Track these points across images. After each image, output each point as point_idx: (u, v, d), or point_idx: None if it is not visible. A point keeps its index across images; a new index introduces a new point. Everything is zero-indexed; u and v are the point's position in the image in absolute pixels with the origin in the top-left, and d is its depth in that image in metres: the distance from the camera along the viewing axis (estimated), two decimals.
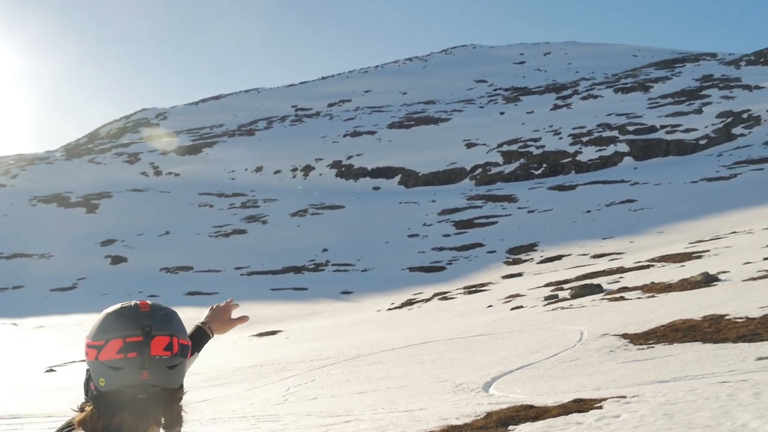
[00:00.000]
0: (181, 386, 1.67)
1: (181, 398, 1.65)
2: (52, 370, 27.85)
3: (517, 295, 34.56)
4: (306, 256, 78.23)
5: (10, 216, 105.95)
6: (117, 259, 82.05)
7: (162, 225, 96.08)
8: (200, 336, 2.46)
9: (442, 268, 63.61)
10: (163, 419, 1.58)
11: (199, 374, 25.75)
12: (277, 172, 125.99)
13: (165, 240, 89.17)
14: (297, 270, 73.07)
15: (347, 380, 18.53)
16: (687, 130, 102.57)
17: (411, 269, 65.49)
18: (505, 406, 10.06)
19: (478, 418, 9.36)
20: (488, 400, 11.74)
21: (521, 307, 30.02)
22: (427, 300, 42.81)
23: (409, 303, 43.39)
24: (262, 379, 21.90)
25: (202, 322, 2.50)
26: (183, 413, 1.64)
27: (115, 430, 1.51)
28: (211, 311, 2.57)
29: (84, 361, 1.65)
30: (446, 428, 8.80)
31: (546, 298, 30.39)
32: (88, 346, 1.59)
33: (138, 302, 1.65)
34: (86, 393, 1.62)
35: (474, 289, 43.66)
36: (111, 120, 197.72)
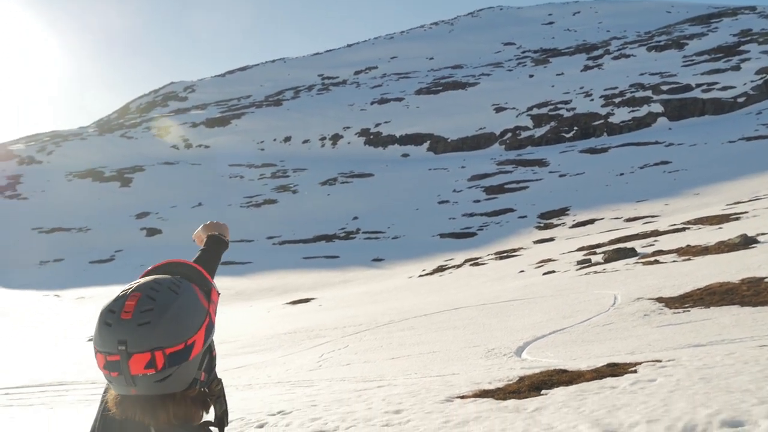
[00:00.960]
0: (194, 383, 1.54)
1: (194, 395, 1.55)
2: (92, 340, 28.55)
3: (549, 260, 34.34)
4: (336, 224, 78.60)
5: (48, 192, 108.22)
6: (152, 231, 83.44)
7: (194, 197, 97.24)
8: (218, 246, 2.40)
9: (473, 234, 63.41)
10: (173, 416, 1.50)
11: (235, 341, 26.26)
12: (305, 141, 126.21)
13: (197, 211, 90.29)
14: (328, 238, 73.54)
15: (380, 346, 18.71)
16: (724, 88, 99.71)
17: (441, 235, 65.43)
18: (537, 371, 10.07)
19: (511, 382, 9.38)
20: (521, 364, 11.76)
21: (553, 272, 29.84)
22: (458, 266, 42.80)
23: (440, 269, 43.41)
24: (296, 346, 22.25)
25: (210, 235, 2.43)
26: (204, 404, 1.57)
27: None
28: (205, 226, 2.47)
29: None
30: (478, 392, 8.84)
31: (578, 263, 30.15)
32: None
33: (127, 298, 1.51)
34: None
35: (505, 254, 43.49)
36: (140, 95, 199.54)
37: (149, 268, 1.69)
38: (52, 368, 20.11)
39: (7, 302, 57.39)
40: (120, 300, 1.50)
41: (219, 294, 1.65)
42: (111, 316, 1.47)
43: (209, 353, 1.59)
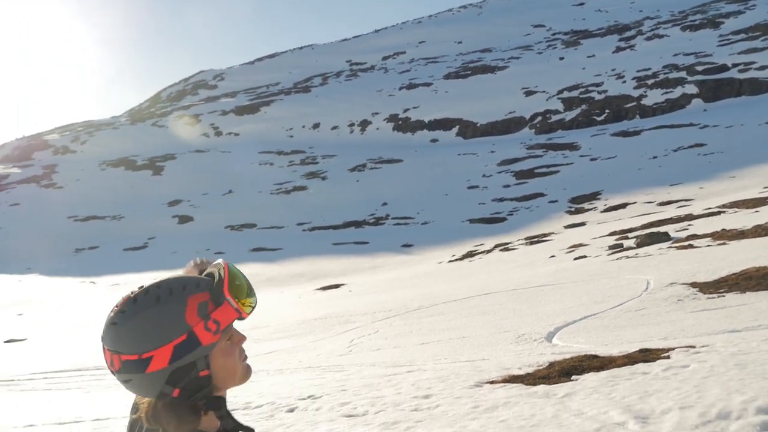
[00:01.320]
0: (167, 397, 1.48)
1: (181, 410, 1.47)
2: None
3: (580, 245, 34.00)
4: (366, 210, 78.71)
5: (82, 181, 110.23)
6: (184, 219, 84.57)
7: (224, 184, 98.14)
8: None
9: (503, 219, 63.01)
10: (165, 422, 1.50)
11: (266, 327, 26.56)
12: (334, 128, 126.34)
13: (228, 199, 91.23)
14: (357, 224, 73.73)
15: (410, 331, 18.76)
16: (762, 68, 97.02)
17: (471, 221, 65.13)
18: (568, 356, 10.00)
19: (541, 367, 9.34)
20: (551, 350, 11.70)
21: (585, 257, 29.55)
22: (488, 251, 42.61)
23: (470, 255, 43.29)
24: (326, 331, 22.43)
25: None
26: (194, 412, 1.52)
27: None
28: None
29: None
30: (508, 378, 8.83)
31: (610, 248, 29.81)
32: None
33: (130, 294, 1.56)
34: None
35: (536, 239, 43.16)
36: (171, 83, 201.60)
37: (195, 261, 1.64)
38: (89, 353, 20.57)
39: (46, 289, 58.74)
40: (119, 301, 1.55)
41: (239, 312, 1.51)
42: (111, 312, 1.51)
43: (192, 373, 1.46)
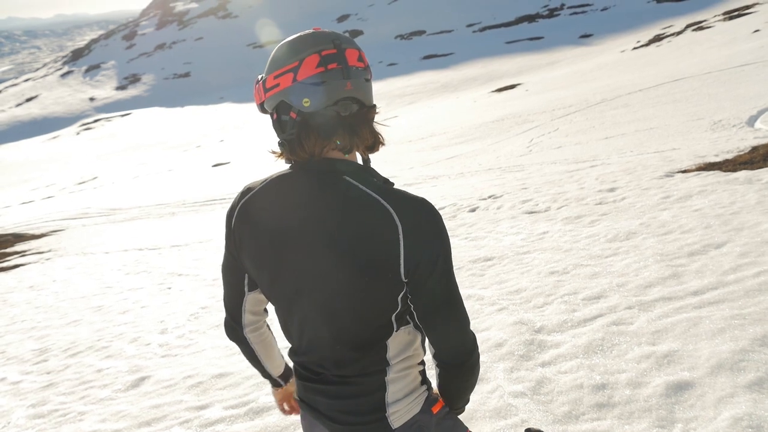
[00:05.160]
0: (374, 105, 1.62)
1: (374, 117, 1.62)
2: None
3: None
4: (539, 1, 73.36)
5: (255, 8, 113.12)
6: (354, 33, 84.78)
7: None
8: None
9: None
10: (370, 136, 1.57)
11: (444, 133, 26.91)
12: None
13: (395, 7, 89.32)
14: (531, 18, 69.38)
15: (592, 127, 18.01)
16: None
17: (658, 0, 58.47)
18: None
19: (742, 153, 8.58)
20: (753, 134, 10.64)
21: None
22: (679, 33, 38.43)
23: (658, 39, 39.38)
24: (504, 133, 22.24)
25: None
26: (380, 133, 1.61)
27: (324, 145, 1.54)
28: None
29: (266, 99, 1.59)
30: (703, 166, 8.24)
31: None
32: (280, 74, 1.55)
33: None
34: (279, 134, 1.61)
35: (736, 13, 37.98)
36: None
37: None
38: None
39: (239, 116, 63.49)
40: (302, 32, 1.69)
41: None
42: (308, 33, 1.59)
43: None
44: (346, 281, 1.50)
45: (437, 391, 1.76)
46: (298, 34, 1.58)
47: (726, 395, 2.81)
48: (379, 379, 1.59)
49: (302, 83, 1.51)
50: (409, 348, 1.62)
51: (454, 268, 6.06)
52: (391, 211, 1.47)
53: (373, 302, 1.52)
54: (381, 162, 20.89)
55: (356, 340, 1.56)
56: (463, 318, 1.57)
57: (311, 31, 1.58)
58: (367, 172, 1.58)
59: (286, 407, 2.05)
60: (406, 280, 1.49)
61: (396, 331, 1.57)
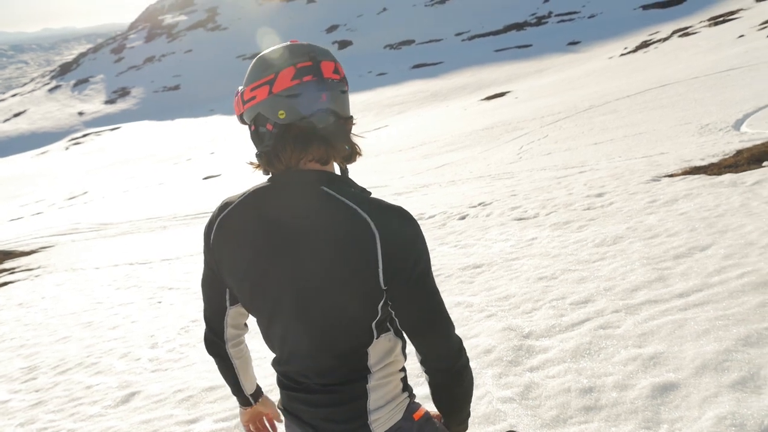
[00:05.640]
0: (351, 117, 1.63)
1: (352, 129, 1.64)
2: None
3: None
4: (527, 9, 73.87)
5: (243, 19, 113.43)
6: (343, 44, 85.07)
7: (378, 2, 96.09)
8: None
9: (681, 0, 56.36)
10: (347, 147, 1.58)
11: (435, 142, 27.00)
12: None
13: (384, 17, 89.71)
14: (519, 27, 69.83)
15: (581, 133, 18.12)
16: None
17: (644, 7, 59.04)
18: (759, 142, 9.15)
19: (727, 156, 8.66)
20: (739, 138, 10.74)
21: None
22: (665, 39, 38.79)
23: (645, 45, 39.72)
24: (494, 140, 22.34)
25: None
26: (357, 144, 1.63)
27: (297, 156, 1.55)
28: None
29: (244, 111, 1.61)
30: (689, 170, 8.31)
31: None
32: (256, 86, 1.57)
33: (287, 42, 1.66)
34: (257, 145, 1.64)
35: (721, 19, 38.38)
36: None
37: None
38: None
39: (229, 128, 63.47)
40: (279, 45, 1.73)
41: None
42: (284, 45, 1.63)
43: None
44: (325, 291, 1.51)
45: (437, 412, 1.77)
46: (275, 47, 1.61)
47: (710, 395, 2.83)
48: (360, 387, 1.60)
49: (278, 95, 1.53)
50: (389, 355, 1.63)
51: (444, 275, 6.09)
52: (369, 219, 1.48)
53: (353, 311, 1.53)
54: (371, 172, 20.94)
55: (337, 349, 1.57)
56: (445, 322, 1.57)
57: (288, 43, 1.60)
58: (344, 182, 1.59)
59: (251, 428, 2.06)
60: (385, 288, 1.50)
61: (377, 338, 1.58)
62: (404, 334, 1.65)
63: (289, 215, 1.55)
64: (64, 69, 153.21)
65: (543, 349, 3.80)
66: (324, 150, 1.56)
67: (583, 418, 2.97)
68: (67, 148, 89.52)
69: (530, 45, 61.77)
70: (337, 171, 1.66)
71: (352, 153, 1.62)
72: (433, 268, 6.43)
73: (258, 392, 2.00)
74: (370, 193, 1.59)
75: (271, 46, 1.61)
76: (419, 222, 9.30)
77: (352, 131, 1.64)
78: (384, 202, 1.54)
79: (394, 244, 1.48)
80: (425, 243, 1.53)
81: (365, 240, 1.47)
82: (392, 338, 1.63)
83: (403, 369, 1.70)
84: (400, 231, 1.49)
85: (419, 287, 1.52)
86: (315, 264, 1.50)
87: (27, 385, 5.99)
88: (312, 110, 1.53)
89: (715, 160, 8.69)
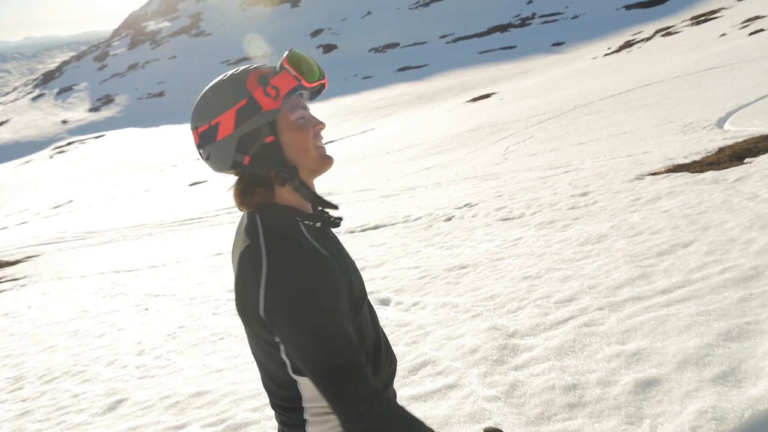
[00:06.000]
0: (240, 166, 1.55)
1: (249, 180, 1.56)
2: None
3: (757, 18, 30.10)
4: (510, 11, 74.23)
5: (227, 24, 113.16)
6: (328, 48, 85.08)
7: (362, 6, 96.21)
8: None
9: (663, 0, 56.88)
10: (238, 196, 1.56)
11: (421, 144, 27.04)
12: None
13: (368, 20, 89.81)
14: (503, 28, 70.15)
15: (566, 133, 18.21)
16: None
17: (627, 7, 59.53)
18: (741, 140, 9.25)
19: (709, 154, 8.75)
20: (722, 136, 10.85)
21: (762, 30, 26.23)
22: (648, 39, 39.11)
23: (628, 45, 40.04)
24: (480, 142, 22.40)
25: None
26: (267, 184, 1.56)
27: None
28: None
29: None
30: (672, 168, 8.39)
31: None
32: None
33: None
34: None
35: (702, 18, 38.77)
36: None
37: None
38: None
39: None
40: None
41: (298, 80, 1.50)
42: None
43: (259, 140, 1.52)
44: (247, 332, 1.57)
45: None
46: (201, 100, 1.60)
47: (692, 390, 2.87)
48: (299, 418, 1.58)
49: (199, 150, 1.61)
50: (318, 400, 1.55)
51: (430, 277, 6.11)
52: (263, 259, 1.46)
53: (267, 355, 1.53)
54: (357, 175, 20.95)
55: (272, 375, 1.58)
56: (335, 380, 1.41)
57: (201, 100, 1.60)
58: (273, 215, 1.57)
59: None
60: (274, 337, 1.47)
61: (300, 378, 1.53)
62: None
63: (235, 250, 1.61)
64: (47, 77, 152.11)
65: (528, 348, 3.83)
66: (239, 199, 1.61)
67: (567, 415, 2.99)
68: (51, 157, 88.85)
69: (514, 46, 62.06)
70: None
71: (289, 177, 1.57)
72: (418, 270, 6.43)
73: None
74: (312, 224, 1.59)
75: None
76: (404, 225, 9.32)
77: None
78: (286, 241, 1.51)
79: (272, 287, 1.44)
80: (307, 289, 1.43)
81: (254, 282, 1.46)
82: None
83: None
84: (281, 272, 1.45)
85: (298, 338, 1.43)
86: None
87: (13, 395, 5.95)
88: (220, 171, 1.60)
89: (697, 157, 8.77)
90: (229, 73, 1.60)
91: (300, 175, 1.58)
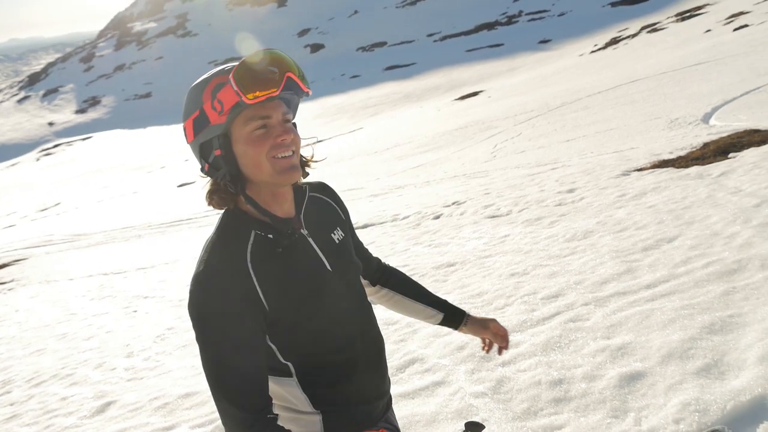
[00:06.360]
0: (204, 171, 1.59)
1: (215, 183, 1.58)
2: None
3: (741, 14, 30.32)
4: (497, 9, 74.37)
5: (213, 25, 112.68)
6: (315, 47, 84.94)
7: (349, 5, 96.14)
8: (454, 314, 2.03)
9: None
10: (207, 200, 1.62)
11: (409, 143, 27.06)
12: None
13: (355, 19, 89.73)
14: (490, 26, 70.29)
15: (554, 130, 18.28)
16: None
17: (613, 4, 59.83)
18: (725, 135, 9.33)
19: (695, 149, 8.81)
20: (707, 131, 10.93)
21: (746, 26, 26.42)
22: (634, 35, 39.32)
23: (614, 42, 40.24)
24: (468, 140, 22.45)
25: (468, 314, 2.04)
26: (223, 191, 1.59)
27: None
28: (485, 322, 2.03)
29: None
30: (657, 163, 8.45)
31: None
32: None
33: None
34: None
35: (688, 14, 39.03)
36: None
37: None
38: None
39: None
40: None
41: (239, 95, 1.46)
42: None
43: (212, 151, 1.54)
44: None
45: None
46: (192, 91, 1.60)
47: (675, 382, 2.90)
48: (273, 415, 1.57)
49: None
50: (283, 399, 1.62)
51: (418, 275, 6.14)
52: (198, 262, 1.56)
53: None
54: (346, 174, 20.95)
55: None
56: (216, 395, 1.47)
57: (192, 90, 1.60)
58: (228, 221, 1.61)
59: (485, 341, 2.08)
60: None
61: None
62: (316, 381, 1.60)
63: None
64: (33, 79, 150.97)
65: (514, 344, 3.85)
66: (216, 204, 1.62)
67: (553, 410, 3.02)
68: (38, 159, 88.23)
69: (501, 44, 62.22)
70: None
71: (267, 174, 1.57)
72: (406, 269, 6.45)
73: (450, 317, 2.06)
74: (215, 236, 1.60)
75: (251, 51, 1.58)
76: (393, 224, 9.34)
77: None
78: (203, 255, 1.56)
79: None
80: (198, 310, 1.48)
81: None
82: (275, 380, 1.59)
83: (327, 412, 1.63)
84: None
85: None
86: None
87: (1, 399, 5.92)
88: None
89: (683, 153, 8.84)
90: (207, 73, 1.59)
91: (254, 188, 1.58)
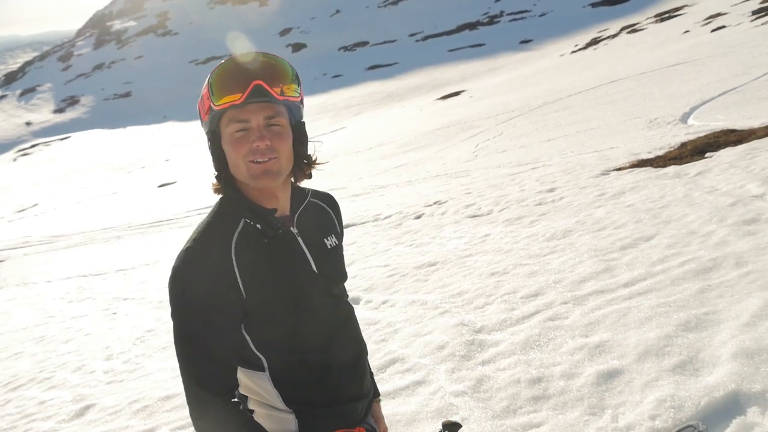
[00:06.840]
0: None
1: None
2: None
3: (719, 15, 30.72)
4: (479, 9, 74.64)
5: (195, 23, 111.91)
6: (297, 47, 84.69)
7: (331, 4, 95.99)
8: None
9: None
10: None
11: (392, 142, 27.09)
12: None
13: (337, 19, 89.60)
14: (471, 26, 70.53)
15: (535, 129, 18.40)
16: None
17: (593, 5, 60.30)
18: (702, 134, 9.46)
19: (672, 149, 8.92)
20: (685, 131, 11.07)
21: (723, 27, 26.76)
22: (614, 36, 39.67)
23: (594, 42, 40.56)
24: (450, 140, 22.52)
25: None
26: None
27: None
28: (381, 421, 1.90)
29: None
30: (636, 163, 8.54)
31: (754, 13, 26.70)
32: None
33: None
34: None
35: (666, 15, 39.46)
36: None
37: None
38: None
39: (184, 134, 62.41)
40: None
41: (209, 100, 1.50)
42: None
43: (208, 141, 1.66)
44: None
45: None
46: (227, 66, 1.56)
47: (651, 379, 2.94)
48: (245, 410, 1.61)
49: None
50: (253, 392, 1.63)
51: (399, 275, 6.16)
52: (187, 239, 1.58)
53: None
54: (328, 174, 20.91)
55: None
56: (182, 368, 1.51)
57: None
58: (222, 204, 1.63)
59: None
60: None
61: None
62: (288, 379, 1.60)
63: None
64: (9, 78, 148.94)
65: (494, 343, 3.88)
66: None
67: (532, 408, 3.04)
68: (15, 160, 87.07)
69: (483, 44, 62.49)
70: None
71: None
72: (387, 269, 6.45)
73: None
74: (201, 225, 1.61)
75: (242, 50, 1.59)
76: (374, 224, 9.35)
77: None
78: (182, 249, 1.55)
79: None
80: (175, 299, 1.51)
81: None
82: (248, 373, 1.61)
83: (300, 411, 1.62)
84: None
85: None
86: None
87: None
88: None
89: (661, 152, 8.94)
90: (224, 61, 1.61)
91: (238, 182, 1.61)
